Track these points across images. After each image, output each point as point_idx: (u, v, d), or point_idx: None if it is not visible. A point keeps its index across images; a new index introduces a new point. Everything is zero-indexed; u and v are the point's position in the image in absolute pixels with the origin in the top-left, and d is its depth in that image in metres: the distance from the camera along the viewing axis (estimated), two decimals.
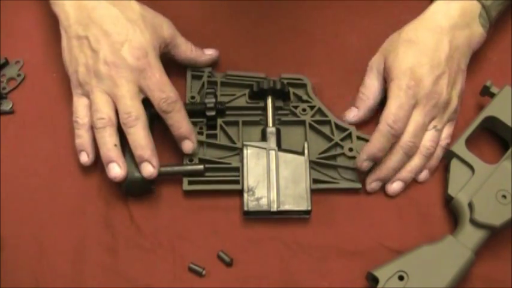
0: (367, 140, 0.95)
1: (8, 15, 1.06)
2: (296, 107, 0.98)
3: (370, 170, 0.94)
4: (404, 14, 1.04)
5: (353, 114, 0.98)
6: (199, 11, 1.07)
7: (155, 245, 0.90)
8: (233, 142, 0.96)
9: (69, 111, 0.95)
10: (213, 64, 1.02)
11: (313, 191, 0.92)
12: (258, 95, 0.98)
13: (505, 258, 0.90)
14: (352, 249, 0.90)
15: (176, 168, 0.93)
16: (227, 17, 1.07)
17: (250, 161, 0.93)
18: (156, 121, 0.94)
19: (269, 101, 0.98)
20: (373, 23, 1.07)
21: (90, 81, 0.91)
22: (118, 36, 0.91)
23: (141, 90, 0.91)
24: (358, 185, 0.94)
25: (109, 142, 0.90)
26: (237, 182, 0.93)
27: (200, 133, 0.96)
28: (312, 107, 0.98)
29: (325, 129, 0.97)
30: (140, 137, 0.89)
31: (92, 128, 0.92)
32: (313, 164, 0.94)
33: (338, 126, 0.97)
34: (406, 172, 0.94)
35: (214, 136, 0.96)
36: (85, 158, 0.93)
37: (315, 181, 0.93)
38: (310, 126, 0.97)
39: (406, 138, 0.91)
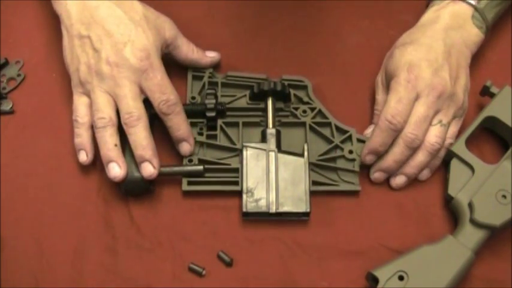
0: None
1: (8, 15, 1.06)
2: (296, 109, 0.98)
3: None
4: (404, 14, 1.05)
5: (371, 130, 0.96)
6: (199, 11, 1.08)
7: (155, 245, 0.90)
8: (233, 143, 0.96)
9: (69, 111, 0.95)
10: (215, 66, 1.02)
11: (313, 193, 0.92)
12: (259, 96, 0.98)
13: (505, 258, 0.90)
14: (352, 249, 0.90)
15: (176, 169, 0.93)
16: (228, 18, 1.07)
17: (249, 162, 0.93)
18: (156, 121, 0.94)
19: (269, 102, 0.98)
20: (373, 23, 1.07)
21: (92, 80, 0.91)
22: (121, 36, 0.91)
23: (141, 90, 0.91)
24: (358, 188, 0.94)
25: (109, 142, 0.90)
26: (236, 183, 0.93)
27: (200, 134, 0.96)
28: (312, 109, 0.98)
29: (326, 131, 0.97)
30: (141, 137, 0.89)
31: (92, 128, 0.92)
32: (313, 166, 0.94)
33: (338, 128, 0.97)
34: (410, 167, 0.93)
35: (214, 137, 0.96)
36: (84, 157, 0.93)
37: (315, 183, 0.93)
38: (311, 128, 0.97)
39: (407, 129, 0.91)
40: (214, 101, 0.96)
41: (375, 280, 0.85)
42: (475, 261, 0.87)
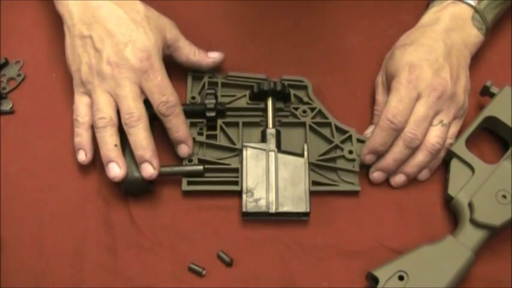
0: None
1: (8, 15, 1.06)
2: (296, 109, 0.98)
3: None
4: (404, 14, 1.05)
5: (371, 131, 0.96)
6: (200, 11, 1.08)
7: (155, 245, 0.90)
8: (233, 143, 0.96)
9: (69, 111, 0.96)
10: (217, 68, 1.02)
11: (313, 193, 0.92)
12: (259, 96, 0.98)
13: (505, 258, 0.90)
14: (352, 249, 0.90)
15: (176, 169, 0.93)
16: (228, 18, 1.07)
17: (249, 162, 0.93)
18: (156, 122, 0.94)
19: (269, 102, 0.98)
20: (373, 23, 1.07)
21: (93, 80, 0.91)
22: (122, 36, 0.91)
23: (142, 91, 0.91)
24: (358, 188, 0.94)
25: (109, 142, 0.90)
26: (236, 183, 0.93)
27: (200, 134, 0.96)
28: (312, 109, 0.98)
29: (325, 131, 0.97)
30: (141, 137, 0.89)
31: (92, 127, 0.92)
32: (313, 166, 0.94)
33: (338, 129, 0.97)
34: (410, 167, 0.93)
35: (214, 137, 0.96)
36: (83, 156, 0.93)
37: (314, 183, 0.93)
38: (310, 128, 0.97)
39: (407, 129, 0.91)
40: (214, 101, 0.96)
41: (375, 280, 0.85)
42: (475, 261, 0.87)
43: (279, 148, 0.94)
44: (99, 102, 0.90)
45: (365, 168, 0.95)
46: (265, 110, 0.98)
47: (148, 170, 0.90)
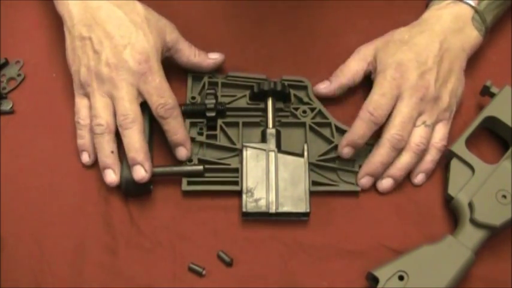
0: (367, 143, 0.94)
1: (8, 15, 1.06)
2: (296, 109, 0.98)
3: None
4: (404, 14, 1.05)
5: (324, 86, 0.99)
6: (199, 11, 1.07)
7: (155, 245, 0.90)
8: (233, 143, 0.96)
9: (69, 111, 0.96)
10: (218, 69, 1.02)
11: (313, 193, 0.92)
12: (259, 96, 0.98)
13: (505, 258, 0.90)
14: (352, 249, 0.90)
15: (175, 169, 0.93)
16: (228, 18, 1.07)
17: (249, 162, 0.93)
18: (156, 122, 0.94)
19: (269, 102, 0.98)
20: (373, 23, 1.07)
21: (91, 83, 0.92)
22: (121, 38, 0.91)
23: (140, 93, 0.91)
24: (357, 188, 0.94)
25: (106, 149, 0.91)
26: (236, 183, 0.93)
27: (200, 134, 0.96)
28: (312, 109, 0.98)
29: (325, 132, 0.97)
30: (135, 139, 0.90)
31: None
32: (313, 166, 0.94)
33: (338, 129, 0.97)
34: (396, 169, 0.93)
35: (214, 137, 0.96)
36: (86, 158, 0.94)
37: (314, 183, 0.93)
38: (311, 128, 0.97)
39: (393, 130, 0.91)
40: (214, 101, 0.96)
41: (375, 280, 0.85)
42: (475, 261, 0.87)
43: (279, 148, 0.94)
44: (96, 108, 0.91)
45: None
46: (265, 110, 0.98)
47: (140, 173, 0.90)
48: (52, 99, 0.99)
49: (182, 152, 0.94)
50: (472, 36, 0.98)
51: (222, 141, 0.96)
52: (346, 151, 0.93)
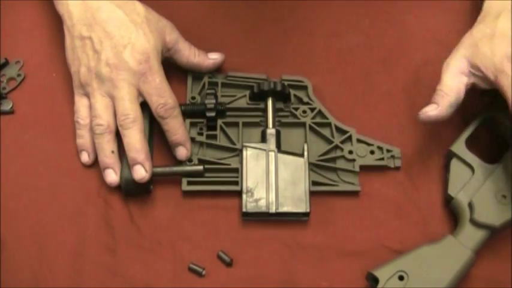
0: (367, 143, 0.95)
1: (8, 15, 1.06)
2: (296, 109, 0.98)
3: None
4: (404, 14, 1.05)
5: (432, 108, 0.90)
6: (199, 11, 1.07)
7: (155, 245, 0.90)
8: (233, 143, 0.96)
9: (69, 111, 0.96)
10: (218, 69, 1.02)
11: (313, 193, 0.92)
12: (259, 96, 0.98)
13: (505, 258, 0.90)
14: (352, 249, 0.90)
15: (175, 169, 0.93)
16: (228, 18, 1.07)
17: (249, 162, 0.93)
18: (156, 122, 0.94)
19: (269, 102, 0.97)
20: (373, 23, 1.07)
21: (91, 82, 0.92)
22: (121, 39, 0.91)
23: (140, 93, 0.92)
24: (358, 188, 0.93)
25: (106, 149, 0.91)
26: (236, 183, 0.93)
27: (200, 134, 0.96)
28: (312, 109, 0.98)
29: (325, 132, 0.97)
30: (135, 139, 0.90)
31: None
32: (313, 166, 0.94)
33: (338, 129, 0.97)
34: None
35: (214, 137, 0.96)
36: (86, 157, 0.94)
37: (314, 183, 0.93)
38: (310, 128, 0.97)
39: None
40: (214, 101, 0.96)
41: (375, 280, 0.85)
42: (475, 261, 0.87)
43: (279, 148, 0.94)
44: (97, 108, 0.91)
45: (365, 168, 0.95)
46: (265, 110, 0.98)
47: (140, 173, 0.90)
48: (52, 99, 0.99)
49: (182, 152, 0.94)
50: None
51: (222, 141, 0.96)
52: None
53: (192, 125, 0.97)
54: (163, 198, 0.93)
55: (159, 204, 0.93)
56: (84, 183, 0.94)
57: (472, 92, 0.96)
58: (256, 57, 1.04)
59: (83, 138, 0.94)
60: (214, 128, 0.97)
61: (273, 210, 0.90)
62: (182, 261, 0.89)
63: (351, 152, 0.95)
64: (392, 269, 0.85)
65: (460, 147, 0.93)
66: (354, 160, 0.95)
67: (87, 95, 0.93)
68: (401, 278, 0.85)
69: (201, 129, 0.97)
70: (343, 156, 0.95)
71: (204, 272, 0.88)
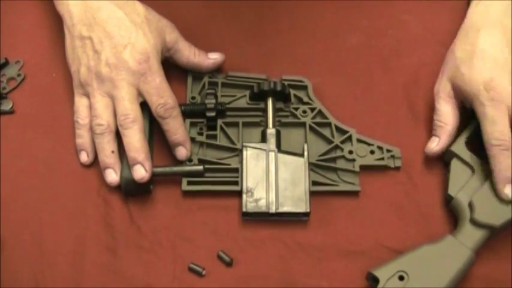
0: (367, 143, 0.95)
1: (8, 15, 1.06)
2: (296, 109, 0.98)
3: None
4: (404, 14, 1.05)
5: (435, 144, 0.94)
6: (199, 11, 1.07)
7: (155, 245, 0.90)
8: (233, 143, 0.96)
9: (69, 111, 0.96)
10: (218, 69, 1.02)
11: (313, 193, 0.92)
12: (259, 96, 0.98)
13: (505, 258, 0.90)
14: (352, 249, 0.90)
15: (175, 169, 0.93)
16: (228, 18, 1.07)
17: (249, 162, 0.93)
18: (156, 122, 0.94)
19: (269, 102, 0.98)
20: (373, 23, 1.07)
21: (91, 82, 0.92)
22: (121, 39, 0.91)
23: (140, 93, 0.92)
24: (358, 188, 0.93)
25: (106, 149, 0.92)
26: (236, 183, 0.93)
27: (200, 134, 0.96)
28: (312, 109, 0.98)
29: (326, 132, 0.97)
30: (135, 139, 0.90)
31: None
32: (313, 166, 0.94)
33: (338, 129, 0.97)
34: None
35: (214, 137, 0.96)
36: (85, 157, 0.94)
37: (314, 183, 0.93)
38: (311, 128, 0.97)
39: None
40: (214, 101, 0.96)
41: (375, 280, 0.85)
42: (475, 261, 0.87)
43: (279, 148, 0.94)
44: (96, 108, 0.91)
45: (365, 168, 0.95)
46: (265, 110, 0.98)
47: (140, 173, 0.90)
48: (52, 99, 0.99)
49: (182, 152, 0.94)
50: None
51: (222, 141, 0.96)
52: (507, 191, 0.88)
53: (192, 125, 0.97)
54: (163, 198, 0.93)
55: (159, 204, 0.93)
56: (84, 183, 0.94)
57: None
58: (256, 57, 1.04)
59: (83, 138, 0.94)
60: (214, 128, 0.97)
61: (273, 210, 0.90)
62: (182, 261, 0.89)
63: (351, 152, 0.95)
64: (393, 269, 0.85)
65: (460, 147, 0.93)
66: (354, 160, 0.95)
67: (87, 95, 0.93)
68: (401, 278, 0.85)
69: (201, 129, 0.97)
70: (343, 156, 0.95)
71: (204, 272, 0.88)
